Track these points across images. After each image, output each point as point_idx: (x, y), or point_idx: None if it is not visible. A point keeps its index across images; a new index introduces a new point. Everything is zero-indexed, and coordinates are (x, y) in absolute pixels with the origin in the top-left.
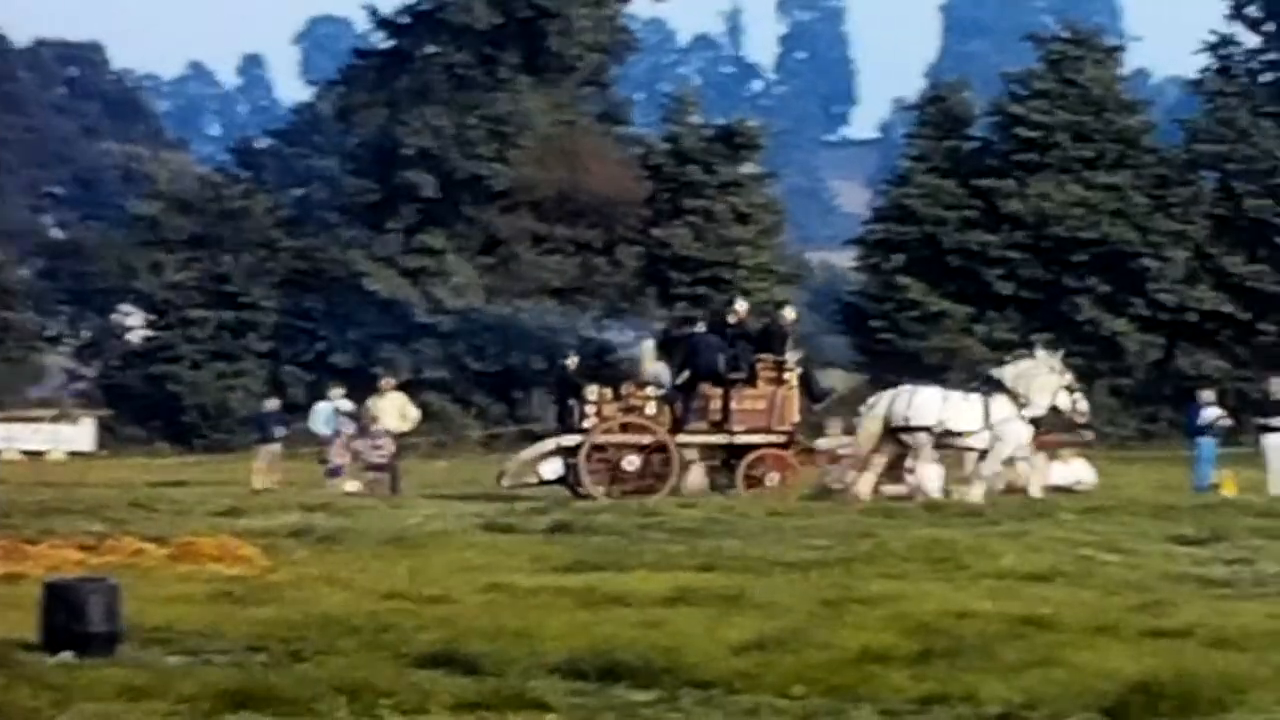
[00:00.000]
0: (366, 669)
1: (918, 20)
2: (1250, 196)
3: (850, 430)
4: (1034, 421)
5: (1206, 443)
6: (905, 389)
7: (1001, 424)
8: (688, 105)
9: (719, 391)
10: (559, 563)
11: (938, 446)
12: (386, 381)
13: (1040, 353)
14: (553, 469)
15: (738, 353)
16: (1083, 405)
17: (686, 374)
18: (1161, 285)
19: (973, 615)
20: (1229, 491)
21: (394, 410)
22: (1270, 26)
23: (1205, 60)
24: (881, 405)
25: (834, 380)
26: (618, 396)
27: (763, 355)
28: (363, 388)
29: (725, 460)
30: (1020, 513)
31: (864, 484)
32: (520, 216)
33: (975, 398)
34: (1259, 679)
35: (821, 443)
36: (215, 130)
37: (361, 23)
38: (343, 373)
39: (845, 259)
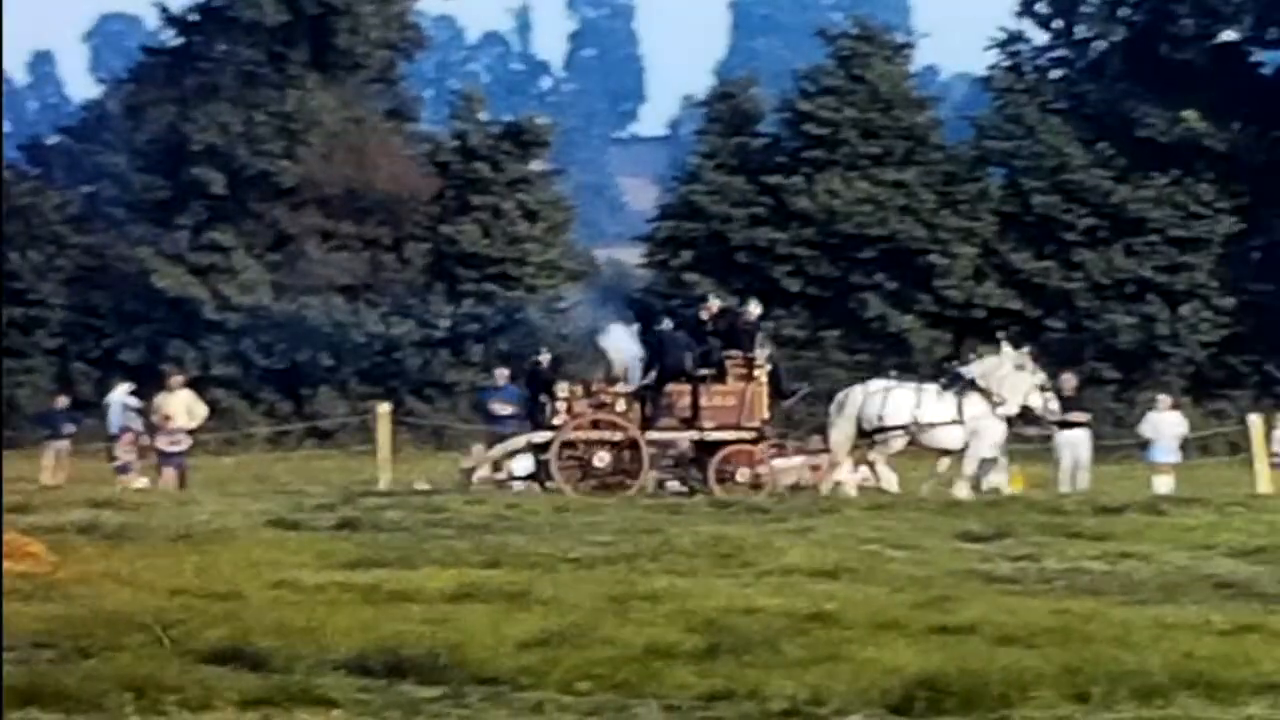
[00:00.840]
0: (153, 666)
1: (707, 17)
2: (1038, 193)
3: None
4: (1007, 420)
5: None
6: (876, 388)
7: (975, 421)
8: (475, 102)
9: (688, 388)
10: (346, 559)
11: (912, 444)
12: (175, 379)
13: (1006, 349)
14: (523, 466)
15: (708, 349)
16: (1054, 405)
17: (655, 372)
18: (949, 282)
19: (758, 611)
20: (1016, 488)
21: (182, 407)
22: (1059, 23)
23: (994, 57)
24: (852, 406)
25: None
26: (588, 393)
27: (731, 352)
28: (151, 384)
29: (696, 456)
30: (807, 509)
31: (844, 478)
32: (308, 213)
33: (949, 395)
34: (1044, 675)
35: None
36: (5, 127)
37: (151, 20)
38: (131, 369)
39: (634, 256)
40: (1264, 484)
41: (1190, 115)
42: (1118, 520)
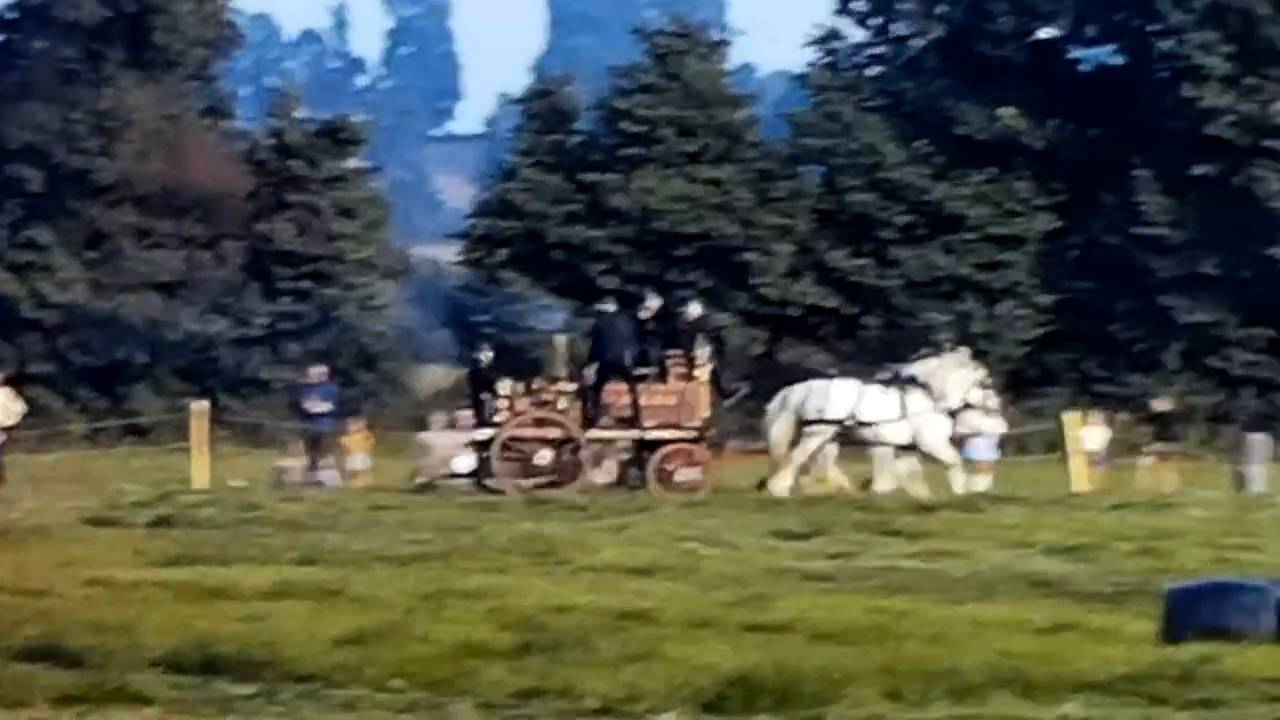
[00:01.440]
0: None
1: (524, 15)
2: (854, 191)
3: (453, 424)
4: (950, 414)
5: None
6: (819, 384)
7: (918, 416)
8: (291, 100)
9: (626, 387)
10: (161, 557)
11: (854, 441)
12: None
13: (947, 351)
14: (465, 463)
15: (646, 348)
16: (992, 402)
17: (595, 367)
18: (765, 280)
19: (572, 609)
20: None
21: None
22: (877, 21)
23: (812, 54)
24: (793, 401)
25: (437, 376)
26: (529, 391)
27: (672, 351)
28: None
29: (636, 456)
30: (622, 507)
31: (781, 482)
32: (125, 211)
33: (892, 391)
34: (859, 673)
35: (424, 436)
36: None
37: None
38: None
39: (450, 253)
40: (1080, 482)
41: (1008, 113)
42: (935, 518)
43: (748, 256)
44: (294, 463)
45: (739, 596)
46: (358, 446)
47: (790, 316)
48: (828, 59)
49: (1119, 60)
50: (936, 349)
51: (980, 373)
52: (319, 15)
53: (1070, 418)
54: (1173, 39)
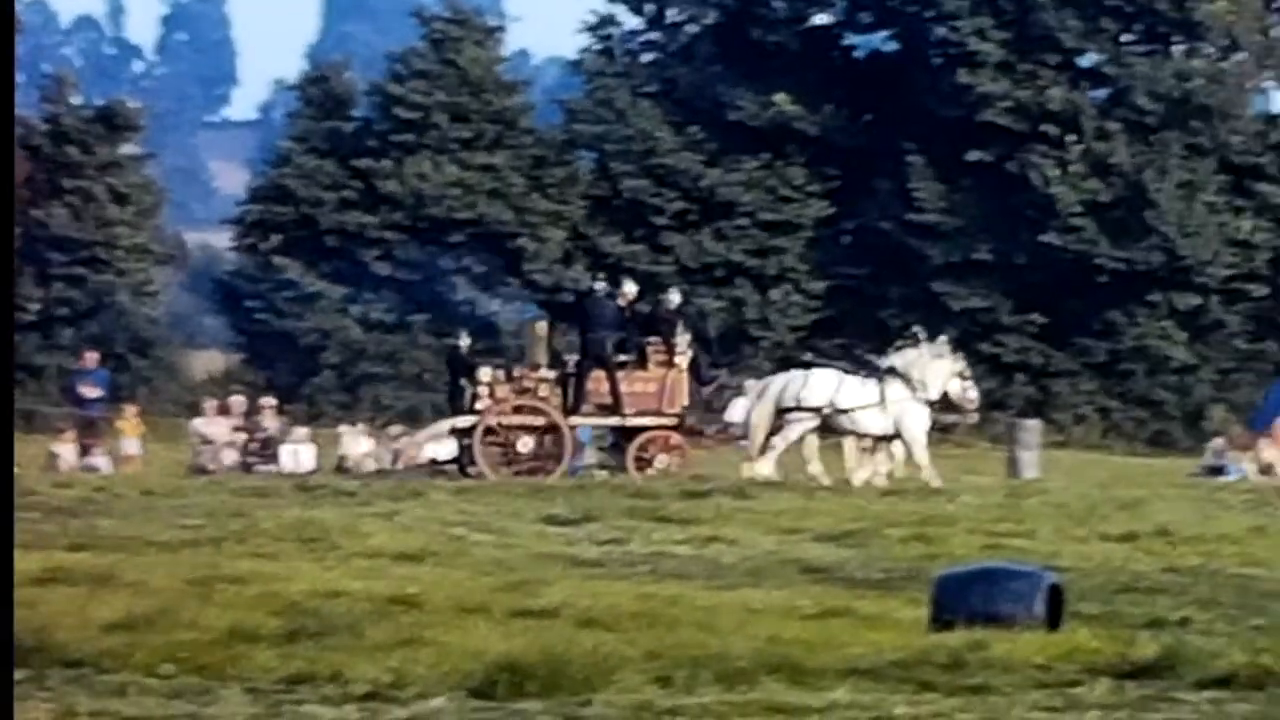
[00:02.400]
0: None
1: (299, 1)
2: (627, 177)
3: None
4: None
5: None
6: (797, 373)
7: (897, 405)
8: (67, 85)
9: (606, 374)
10: None
11: (833, 429)
12: None
13: (924, 343)
14: (446, 450)
15: (625, 336)
16: (972, 394)
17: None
18: (538, 265)
19: (342, 595)
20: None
21: None
22: (651, 7)
23: (586, 40)
24: (772, 389)
25: (210, 362)
26: (510, 378)
27: (651, 338)
28: None
29: (615, 442)
30: (394, 492)
31: (764, 465)
32: None
33: (871, 381)
34: (627, 658)
35: (198, 423)
36: None
37: None
38: None
39: (224, 239)
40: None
41: (782, 99)
42: (705, 504)
43: (521, 242)
44: (66, 448)
45: (508, 582)
46: (130, 432)
47: (563, 302)
48: (602, 45)
49: (893, 46)
50: (914, 340)
51: (960, 364)
52: (95, 2)
53: None
54: (947, 25)
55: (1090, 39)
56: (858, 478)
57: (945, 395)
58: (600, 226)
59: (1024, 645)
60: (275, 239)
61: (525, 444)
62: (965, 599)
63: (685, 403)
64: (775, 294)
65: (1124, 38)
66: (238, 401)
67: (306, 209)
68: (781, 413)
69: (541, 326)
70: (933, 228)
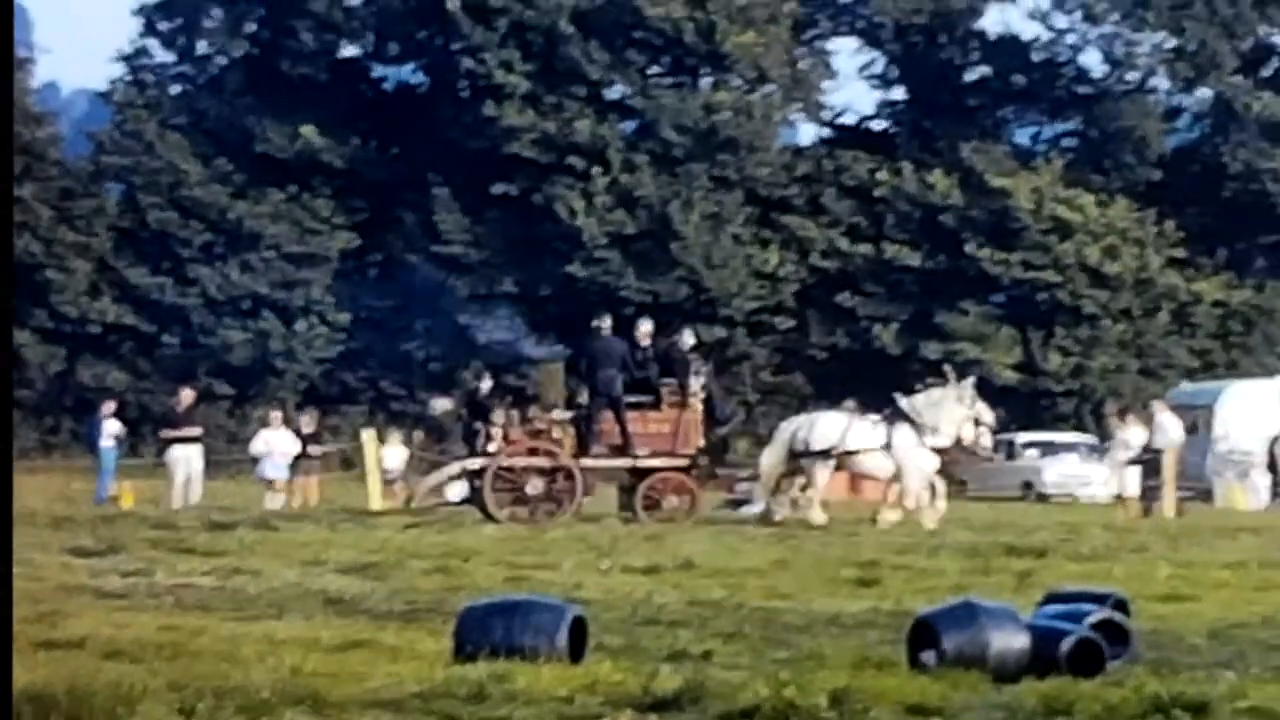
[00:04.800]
0: None
1: None
2: (155, 209)
3: None
4: (939, 450)
5: (107, 453)
6: (807, 417)
7: (902, 450)
8: None
9: (625, 415)
10: None
11: (840, 469)
12: None
13: (951, 384)
14: (458, 491)
15: (648, 375)
16: (986, 440)
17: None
18: (64, 297)
19: None
20: (128, 503)
21: None
22: (183, 40)
23: (119, 71)
24: (784, 433)
25: None
26: (525, 419)
27: (666, 379)
28: None
29: (631, 484)
30: None
31: (815, 514)
32: None
33: (881, 424)
34: (150, 690)
35: None
36: None
37: None
38: None
39: None
40: (376, 500)
41: (309, 131)
42: (229, 536)
43: (48, 274)
44: None
45: (33, 613)
46: None
47: (89, 334)
48: (133, 77)
49: (421, 79)
50: (943, 379)
51: (978, 408)
52: None
53: (368, 435)
54: (474, 58)
55: (617, 71)
56: (885, 519)
57: (959, 440)
58: (127, 259)
59: (547, 677)
60: None
61: (535, 485)
62: (488, 631)
63: (700, 444)
64: (300, 326)
65: (652, 70)
66: None
67: None
68: (794, 456)
69: (556, 368)
70: (458, 259)
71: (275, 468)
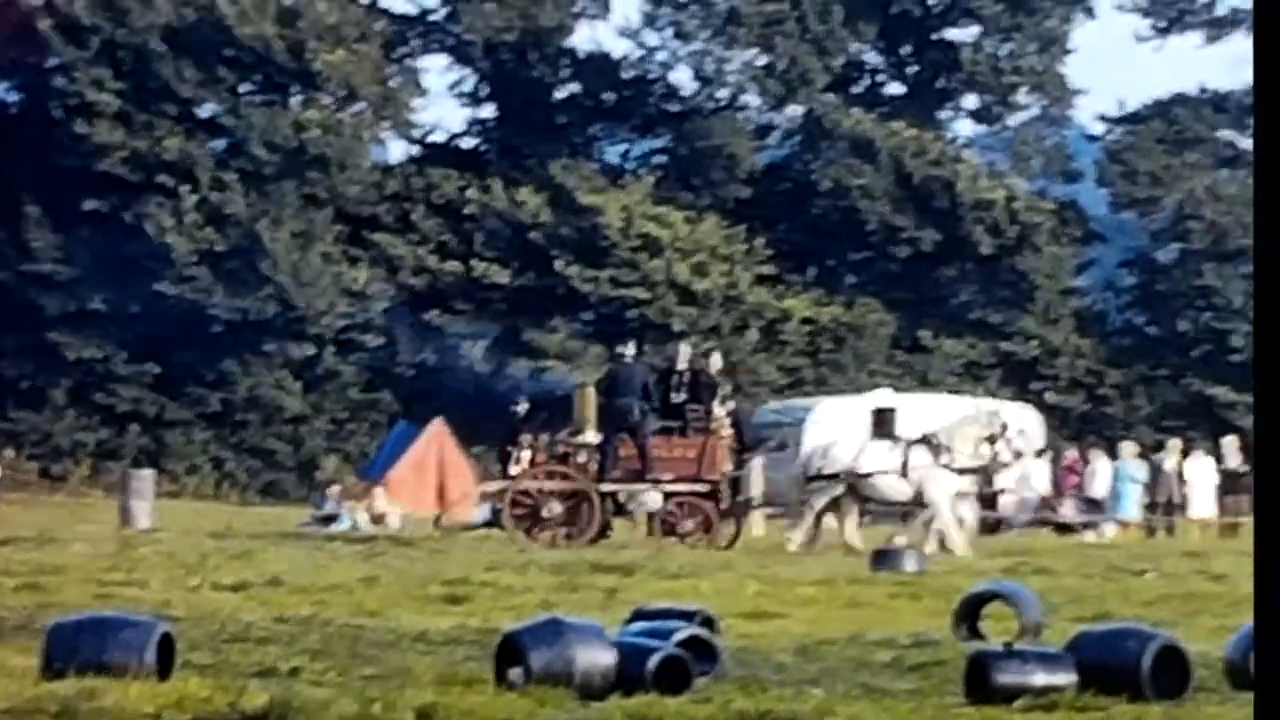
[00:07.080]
0: None
1: None
2: None
3: None
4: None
5: None
6: (825, 440)
7: (919, 471)
8: None
9: (647, 441)
10: None
11: (856, 495)
12: None
13: (978, 400)
14: (482, 513)
15: (670, 399)
16: (1005, 457)
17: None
18: None
19: None
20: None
21: None
22: None
23: None
24: (801, 457)
25: None
26: (552, 444)
27: (693, 405)
28: None
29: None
30: None
31: (799, 533)
32: None
33: (898, 447)
34: None
35: None
36: None
37: None
38: None
39: None
40: None
41: None
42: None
43: None
44: None
45: None
46: None
47: None
48: None
49: (14, 97)
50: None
51: (993, 428)
52: None
53: None
54: (66, 75)
55: (208, 89)
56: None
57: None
58: None
59: (135, 694)
60: None
61: (552, 509)
62: (76, 648)
63: (727, 469)
64: None
65: (242, 88)
66: None
67: None
68: (809, 480)
69: (589, 392)
70: (48, 277)
71: None
